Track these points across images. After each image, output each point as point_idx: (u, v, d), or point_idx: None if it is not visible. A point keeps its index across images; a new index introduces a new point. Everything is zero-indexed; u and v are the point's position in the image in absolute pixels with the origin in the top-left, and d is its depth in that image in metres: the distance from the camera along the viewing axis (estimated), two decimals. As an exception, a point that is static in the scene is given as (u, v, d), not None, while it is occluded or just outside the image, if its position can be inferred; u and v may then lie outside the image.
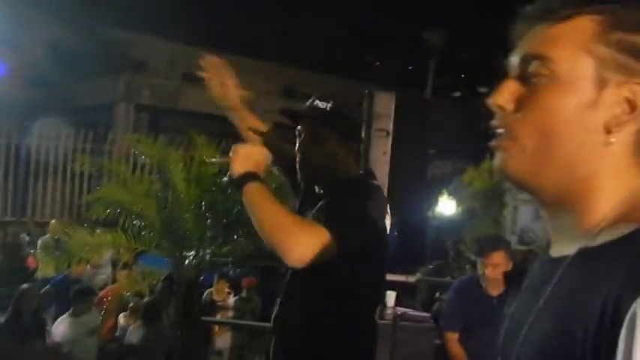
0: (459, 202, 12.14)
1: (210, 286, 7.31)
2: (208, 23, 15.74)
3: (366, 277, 2.11)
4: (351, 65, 18.47)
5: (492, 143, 0.82)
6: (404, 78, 18.63)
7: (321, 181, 2.16)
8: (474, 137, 16.57)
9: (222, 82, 2.42)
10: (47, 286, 6.67)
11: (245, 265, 5.86)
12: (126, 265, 6.81)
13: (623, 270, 0.68)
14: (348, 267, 1.97)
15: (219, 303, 7.25)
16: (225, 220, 5.18)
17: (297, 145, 2.16)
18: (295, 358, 2.17)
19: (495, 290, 3.94)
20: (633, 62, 0.76)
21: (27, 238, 9.58)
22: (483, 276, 3.90)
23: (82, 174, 11.36)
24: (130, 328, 6.38)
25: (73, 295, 5.95)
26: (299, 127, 2.18)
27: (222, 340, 7.09)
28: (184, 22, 15.22)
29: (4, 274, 8.77)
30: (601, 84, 0.77)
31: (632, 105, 0.76)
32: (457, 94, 26.04)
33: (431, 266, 9.49)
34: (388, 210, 2.12)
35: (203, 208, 5.09)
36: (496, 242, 4.09)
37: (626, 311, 0.65)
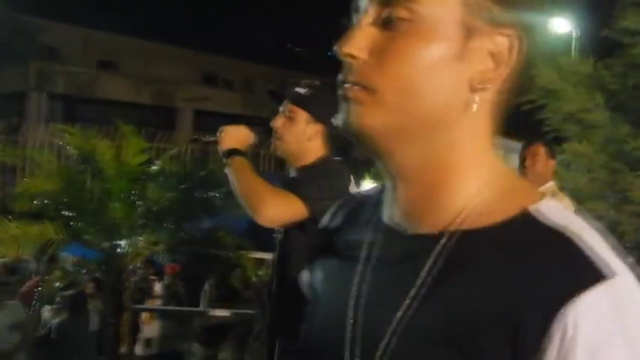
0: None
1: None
2: (124, 9, 15.42)
3: None
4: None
5: (342, 92, 0.69)
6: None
7: (292, 156, 2.39)
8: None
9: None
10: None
11: (176, 253, 5.91)
12: (52, 258, 6.70)
13: (526, 268, 0.62)
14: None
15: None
16: (154, 209, 5.23)
17: (275, 120, 2.38)
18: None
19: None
20: (497, 9, 0.67)
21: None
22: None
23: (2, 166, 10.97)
24: (55, 320, 6.31)
25: None
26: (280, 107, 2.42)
27: (151, 329, 7.10)
28: (98, 7, 14.87)
29: None
30: (468, 33, 0.67)
31: (496, 60, 0.68)
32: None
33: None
34: (354, 187, 2.37)
35: (133, 197, 5.12)
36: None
37: (551, 322, 0.59)
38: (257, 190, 2.21)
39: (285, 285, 2.32)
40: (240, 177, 2.27)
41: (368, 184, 12.45)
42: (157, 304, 7.23)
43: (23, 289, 6.67)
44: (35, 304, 6.09)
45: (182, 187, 5.40)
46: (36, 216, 5.16)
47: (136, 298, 6.92)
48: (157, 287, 7.43)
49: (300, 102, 2.36)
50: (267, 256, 5.65)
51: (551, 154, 3.72)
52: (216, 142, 2.37)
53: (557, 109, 5.08)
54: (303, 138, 2.36)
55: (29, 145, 11.35)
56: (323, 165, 2.35)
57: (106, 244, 5.22)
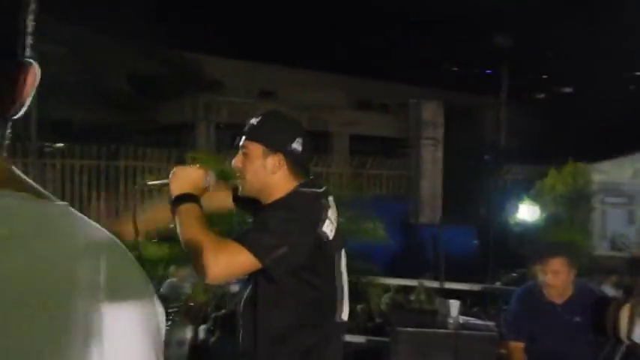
0: (542, 208, 11.74)
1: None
2: (281, 41, 16.07)
3: (317, 284, 2.14)
4: (430, 73, 18.39)
5: None
6: (480, 83, 18.35)
7: (260, 193, 2.22)
8: (557, 140, 16.14)
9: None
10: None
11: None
12: (183, 279, 7.01)
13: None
14: (286, 279, 2.07)
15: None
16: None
17: (234, 160, 2.25)
18: None
19: (559, 298, 3.85)
20: None
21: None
22: (544, 283, 3.83)
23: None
24: (212, 339, 6.60)
25: None
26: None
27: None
28: (257, 41, 15.64)
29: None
30: None
31: None
32: (540, 96, 25.39)
33: (514, 274, 9.27)
34: (329, 216, 2.13)
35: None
36: (555, 248, 4.01)
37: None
38: (201, 247, 1.95)
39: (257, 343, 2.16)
40: (183, 228, 2.02)
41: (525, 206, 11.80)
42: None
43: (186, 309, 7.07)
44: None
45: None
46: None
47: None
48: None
49: (252, 135, 2.18)
50: (392, 281, 5.51)
51: None
52: (165, 186, 2.15)
53: None
54: (266, 172, 2.17)
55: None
56: (291, 200, 2.14)
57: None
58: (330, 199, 2.19)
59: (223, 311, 6.67)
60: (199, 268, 1.96)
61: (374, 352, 5.34)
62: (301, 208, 2.11)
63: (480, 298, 6.43)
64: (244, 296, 2.20)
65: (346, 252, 2.26)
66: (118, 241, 0.75)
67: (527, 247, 9.99)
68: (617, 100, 18.55)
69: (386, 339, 4.66)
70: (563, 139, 16.03)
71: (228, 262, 1.96)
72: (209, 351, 6.50)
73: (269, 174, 2.17)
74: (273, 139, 2.18)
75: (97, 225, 0.76)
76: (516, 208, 11.83)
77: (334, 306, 2.18)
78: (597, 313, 3.80)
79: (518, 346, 3.93)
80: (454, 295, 4.98)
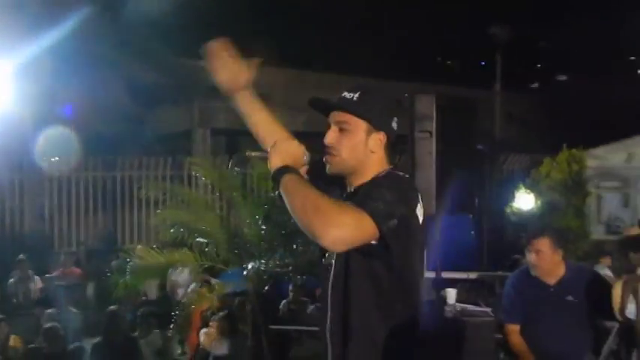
0: (538, 196, 11.82)
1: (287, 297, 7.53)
2: (272, 44, 16.11)
3: (414, 263, 2.06)
4: (422, 68, 18.46)
5: None
6: (475, 75, 18.43)
7: (352, 172, 2.12)
8: (553, 128, 16.19)
9: (225, 65, 2.36)
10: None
11: (309, 274, 6.02)
12: (206, 281, 7.08)
13: None
14: (395, 252, 1.95)
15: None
16: (283, 232, 5.37)
17: (327, 136, 2.11)
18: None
19: (551, 278, 3.93)
20: None
21: (115, 265, 10.14)
22: (530, 263, 3.92)
23: (164, 201, 11.88)
24: (212, 343, 6.65)
25: (139, 318, 6.35)
26: (329, 118, 2.14)
27: (300, 350, 7.24)
28: (251, 44, 15.68)
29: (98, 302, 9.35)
30: None
31: None
32: (534, 85, 25.42)
33: (509, 263, 9.36)
34: (420, 201, 2.05)
35: (260, 221, 5.31)
36: (540, 230, 4.10)
37: None
38: (321, 208, 1.83)
39: (349, 322, 2.04)
40: (294, 195, 1.91)
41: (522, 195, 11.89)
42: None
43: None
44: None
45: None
46: (176, 245, 5.50)
47: (287, 320, 7.12)
48: (309, 309, 7.60)
49: (353, 109, 2.07)
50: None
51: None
52: (264, 159, 2.08)
53: None
54: (365, 151, 2.08)
55: (193, 179, 12.24)
56: (390, 178, 2.05)
57: (241, 267, 5.44)
58: None
59: (221, 313, 6.68)
60: (323, 233, 1.81)
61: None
62: (405, 187, 2.03)
63: (478, 286, 6.52)
64: (331, 274, 2.09)
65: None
66: None
67: (522, 235, 10.04)
68: (611, 86, 18.64)
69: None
70: (557, 126, 16.11)
71: (354, 227, 1.83)
72: (216, 356, 6.54)
73: (368, 153, 2.08)
74: (379, 117, 2.08)
75: None
76: (513, 197, 11.94)
77: (418, 284, 2.12)
78: (590, 293, 3.87)
79: (514, 328, 4.00)
80: (452, 283, 5.05)
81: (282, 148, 2.06)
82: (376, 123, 2.08)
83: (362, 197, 1.95)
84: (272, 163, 2.03)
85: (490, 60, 14.76)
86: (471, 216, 8.77)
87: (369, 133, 2.08)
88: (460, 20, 17.99)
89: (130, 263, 7.52)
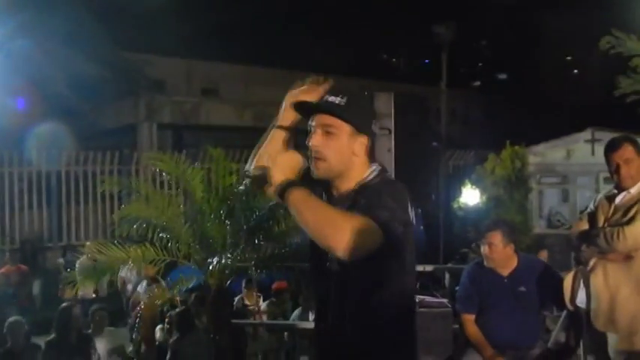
0: (483, 191, 12.18)
1: (240, 293, 7.57)
2: (221, 38, 16.05)
3: (410, 267, 2.15)
4: (368, 66, 18.68)
5: None
6: (420, 73, 18.77)
7: (337, 176, 2.14)
8: (495, 125, 16.67)
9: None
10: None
11: (269, 268, 6.08)
12: (155, 279, 7.02)
13: None
14: (395, 258, 2.04)
15: (251, 307, 7.48)
16: (245, 227, 5.41)
17: (311, 140, 2.13)
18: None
19: (504, 269, 4.11)
20: None
21: (62, 262, 9.96)
22: (483, 255, 4.10)
23: (111, 196, 11.71)
24: (168, 340, 6.61)
25: (90, 315, 6.28)
26: (311, 121, 2.15)
27: (257, 344, 7.30)
28: (197, 39, 15.58)
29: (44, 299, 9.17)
30: None
31: None
32: (477, 83, 26.06)
33: (458, 256, 9.65)
34: (410, 202, 2.10)
35: (223, 216, 5.33)
36: (493, 223, 4.29)
37: None
38: (331, 221, 1.91)
39: (351, 320, 2.11)
40: (307, 210, 1.95)
41: (468, 190, 12.23)
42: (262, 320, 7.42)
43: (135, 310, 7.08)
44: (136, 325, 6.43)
45: (271, 204, 5.50)
46: (141, 241, 5.47)
47: (241, 316, 7.17)
48: (262, 304, 7.66)
49: (338, 113, 2.09)
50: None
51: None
52: (264, 176, 2.06)
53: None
54: (349, 154, 2.10)
55: (141, 174, 12.11)
56: (387, 184, 2.10)
57: (202, 263, 5.46)
58: None
59: (177, 309, 6.66)
60: (336, 244, 1.87)
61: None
62: (402, 192, 2.08)
63: (433, 278, 6.71)
64: (333, 275, 2.13)
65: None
66: None
67: (470, 229, 10.41)
68: (551, 85, 19.28)
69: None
70: (500, 124, 16.60)
71: (365, 236, 1.88)
72: (174, 352, 6.49)
73: (352, 156, 2.12)
74: (363, 121, 2.12)
75: None
76: (459, 193, 12.28)
77: (415, 284, 2.23)
78: (542, 284, 4.07)
79: (469, 318, 4.17)
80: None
81: (282, 161, 2.06)
82: (360, 127, 2.12)
83: (366, 206, 2.00)
84: (274, 178, 2.02)
85: (435, 59, 15.07)
86: (420, 210, 8.98)
87: (352, 137, 2.11)
88: (406, 19, 18.27)
89: (80, 260, 7.47)
